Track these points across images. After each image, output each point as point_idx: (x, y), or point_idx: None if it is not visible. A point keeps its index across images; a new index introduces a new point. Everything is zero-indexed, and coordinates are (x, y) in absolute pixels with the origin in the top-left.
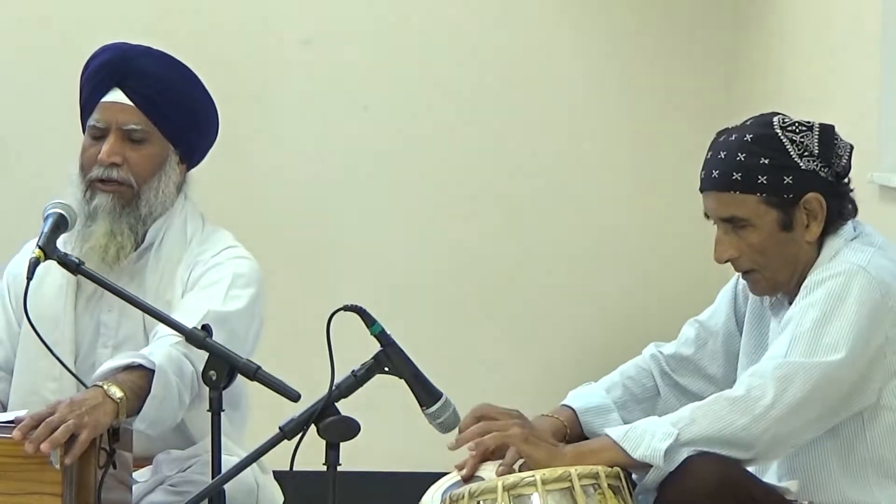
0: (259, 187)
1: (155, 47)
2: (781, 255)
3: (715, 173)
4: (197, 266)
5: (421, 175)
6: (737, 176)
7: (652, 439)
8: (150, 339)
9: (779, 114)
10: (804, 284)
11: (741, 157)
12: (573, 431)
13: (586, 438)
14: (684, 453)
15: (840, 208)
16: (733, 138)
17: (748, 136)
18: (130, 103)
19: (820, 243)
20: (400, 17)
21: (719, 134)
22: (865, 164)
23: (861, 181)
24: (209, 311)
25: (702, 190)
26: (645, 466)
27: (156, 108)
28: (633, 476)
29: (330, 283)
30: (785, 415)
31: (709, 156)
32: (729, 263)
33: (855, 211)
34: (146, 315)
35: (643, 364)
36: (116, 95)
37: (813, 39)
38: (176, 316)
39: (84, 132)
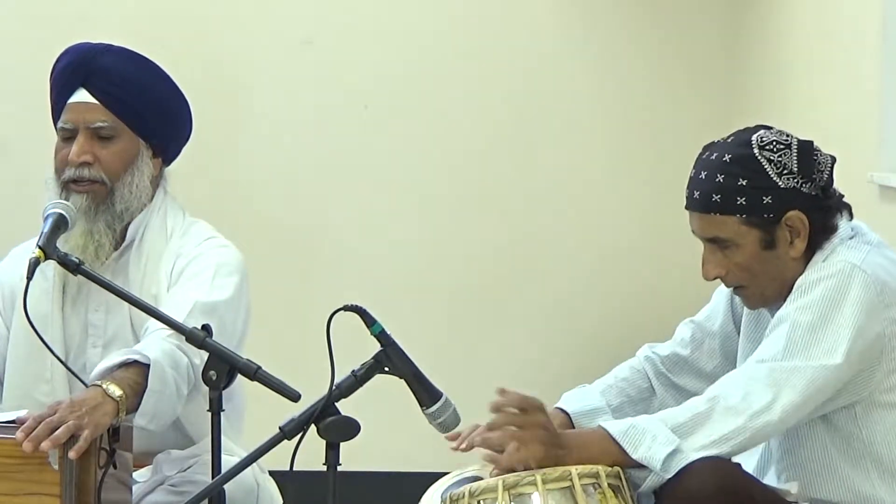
0: (259, 187)
1: (115, 44)
2: (767, 273)
3: (696, 194)
4: (180, 258)
5: (421, 175)
6: (716, 198)
7: (653, 442)
8: (139, 335)
9: (760, 129)
10: (798, 283)
11: (720, 178)
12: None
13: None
14: (682, 462)
15: (825, 222)
16: (714, 157)
17: (727, 157)
18: (95, 101)
19: (811, 253)
20: (400, 17)
21: (704, 149)
22: (865, 164)
23: (861, 181)
24: (196, 301)
25: (686, 208)
26: (640, 467)
27: (121, 104)
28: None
29: (330, 282)
30: (781, 417)
31: (692, 174)
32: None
33: (850, 216)
34: (133, 311)
35: (637, 365)
36: (82, 95)
37: (813, 40)
38: (163, 309)
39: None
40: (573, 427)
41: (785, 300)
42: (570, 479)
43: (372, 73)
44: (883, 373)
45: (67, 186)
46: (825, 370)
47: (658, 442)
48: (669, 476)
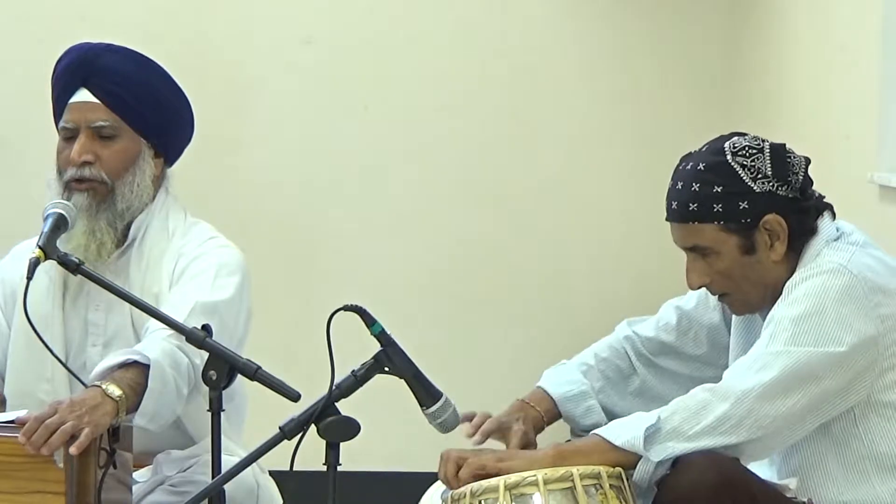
0: (259, 186)
1: (116, 44)
2: (749, 278)
3: (674, 204)
4: (181, 258)
5: (421, 174)
6: (693, 206)
7: (634, 427)
8: (139, 335)
9: (734, 136)
10: (787, 285)
11: (696, 187)
12: (550, 420)
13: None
14: (670, 446)
15: (803, 223)
16: (689, 167)
17: (701, 165)
18: (97, 101)
19: (798, 254)
20: (400, 17)
21: (681, 160)
22: (865, 164)
23: (861, 181)
24: (197, 301)
25: (666, 220)
26: (633, 459)
27: (122, 103)
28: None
29: (330, 282)
30: (763, 393)
31: (670, 185)
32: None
33: (832, 216)
34: (134, 311)
35: (616, 344)
36: (83, 95)
37: (813, 39)
38: (164, 309)
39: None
40: (557, 409)
41: (770, 305)
42: (572, 480)
43: (372, 73)
44: (879, 371)
45: (69, 186)
46: (807, 354)
47: (639, 426)
48: (655, 459)
